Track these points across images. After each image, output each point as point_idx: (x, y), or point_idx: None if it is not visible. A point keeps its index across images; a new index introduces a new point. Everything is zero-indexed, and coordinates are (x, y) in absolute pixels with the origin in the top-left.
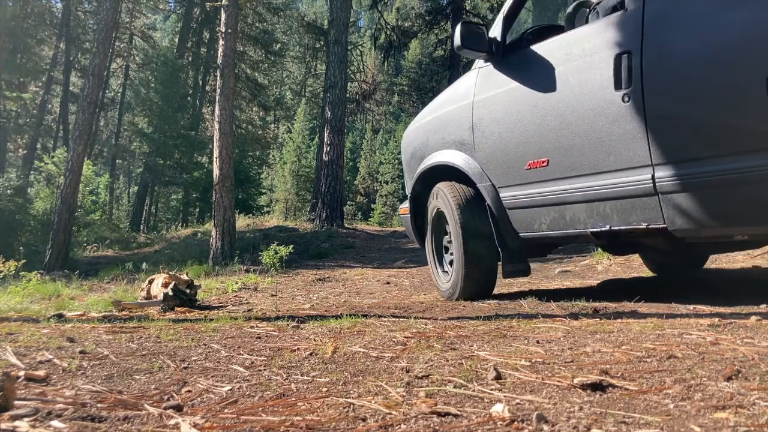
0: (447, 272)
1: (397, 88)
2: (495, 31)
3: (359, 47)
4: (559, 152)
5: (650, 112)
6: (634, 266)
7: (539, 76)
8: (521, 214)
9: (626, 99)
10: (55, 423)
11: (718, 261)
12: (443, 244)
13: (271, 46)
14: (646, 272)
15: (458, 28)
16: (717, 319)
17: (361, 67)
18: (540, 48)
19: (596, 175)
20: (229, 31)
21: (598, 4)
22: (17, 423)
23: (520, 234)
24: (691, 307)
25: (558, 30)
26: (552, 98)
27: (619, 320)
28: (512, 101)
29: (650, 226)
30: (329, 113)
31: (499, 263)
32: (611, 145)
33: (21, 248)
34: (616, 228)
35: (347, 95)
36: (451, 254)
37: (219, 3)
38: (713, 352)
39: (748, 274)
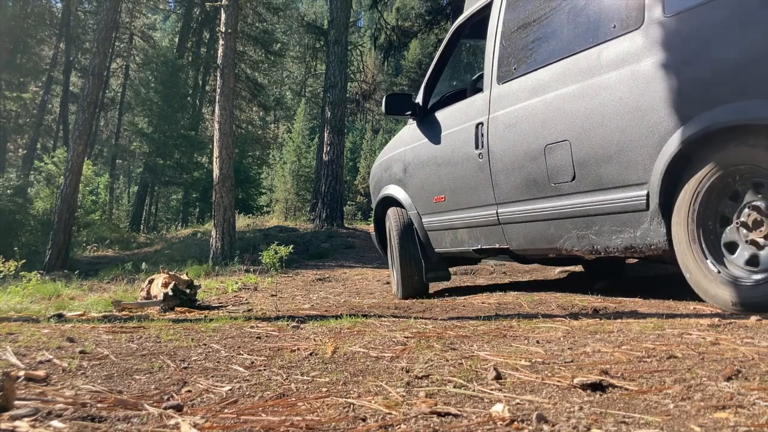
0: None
1: (397, 88)
2: (418, 98)
3: (359, 47)
4: (450, 191)
5: (492, 166)
6: (633, 267)
7: (439, 135)
8: (435, 234)
9: (481, 157)
10: (55, 423)
11: None
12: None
13: (271, 46)
14: (646, 273)
15: (384, 99)
16: (717, 319)
17: (361, 67)
18: (440, 113)
19: (470, 209)
20: (229, 31)
21: None
22: (17, 423)
23: (435, 249)
24: (691, 307)
25: (464, 95)
26: (445, 151)
27: (619, 320)
28: (425, 151)
29: (500, 246)
30: (329, 113)
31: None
32: (476, 188)
33: (20, 248)
34: (484, 247)
35: (347, 95)
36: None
37: (219, 3)
38: (713, 352)
39: None
